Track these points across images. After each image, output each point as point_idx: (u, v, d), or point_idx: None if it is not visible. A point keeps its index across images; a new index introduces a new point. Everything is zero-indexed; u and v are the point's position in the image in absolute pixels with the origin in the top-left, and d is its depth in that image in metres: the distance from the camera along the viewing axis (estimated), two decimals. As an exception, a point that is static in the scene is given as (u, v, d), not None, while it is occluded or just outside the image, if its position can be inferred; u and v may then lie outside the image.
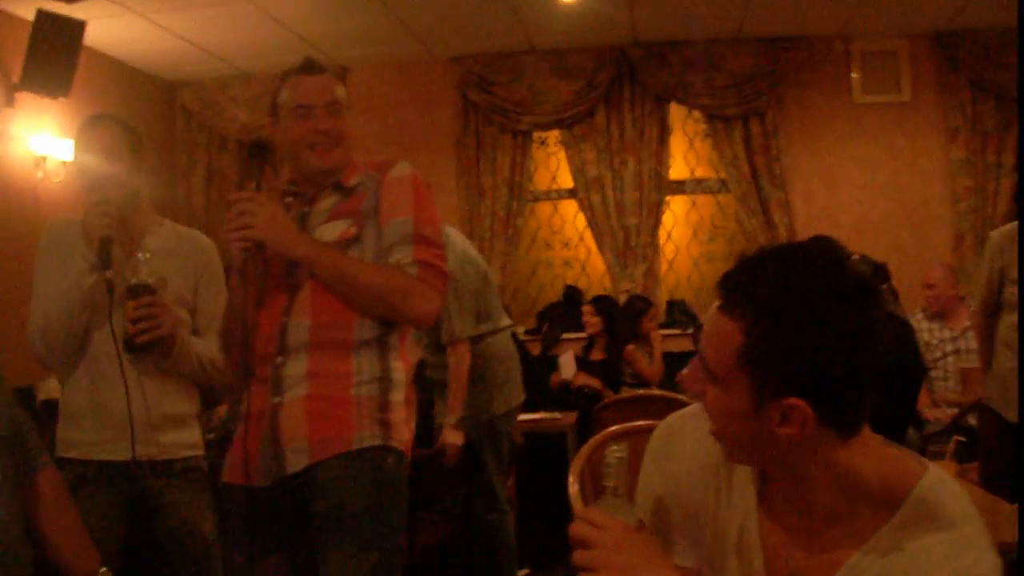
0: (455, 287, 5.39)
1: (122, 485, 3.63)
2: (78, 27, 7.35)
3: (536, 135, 9.50)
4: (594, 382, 7.81)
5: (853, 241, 5.55)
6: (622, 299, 8.75)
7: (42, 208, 7.52)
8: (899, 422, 3.95)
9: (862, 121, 9.08)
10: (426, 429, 5.64)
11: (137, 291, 3.53)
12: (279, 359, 3.11)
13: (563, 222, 9.72)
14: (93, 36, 7.62)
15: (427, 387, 5.75)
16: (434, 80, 9.44)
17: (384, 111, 9.26)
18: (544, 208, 9.75)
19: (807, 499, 1.82)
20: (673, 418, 2.15)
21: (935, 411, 6.94)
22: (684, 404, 5.79)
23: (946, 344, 7.19)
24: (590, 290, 9.42)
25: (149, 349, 3.58)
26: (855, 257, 4.53)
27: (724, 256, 9.49)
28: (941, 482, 1.76)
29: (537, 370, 7.72)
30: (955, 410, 6.82)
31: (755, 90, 8.98)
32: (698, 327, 7.99)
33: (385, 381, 3.14)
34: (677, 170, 9.45)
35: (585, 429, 7.00)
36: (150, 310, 3.53)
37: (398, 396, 3.16)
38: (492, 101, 9.25)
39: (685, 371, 1.94)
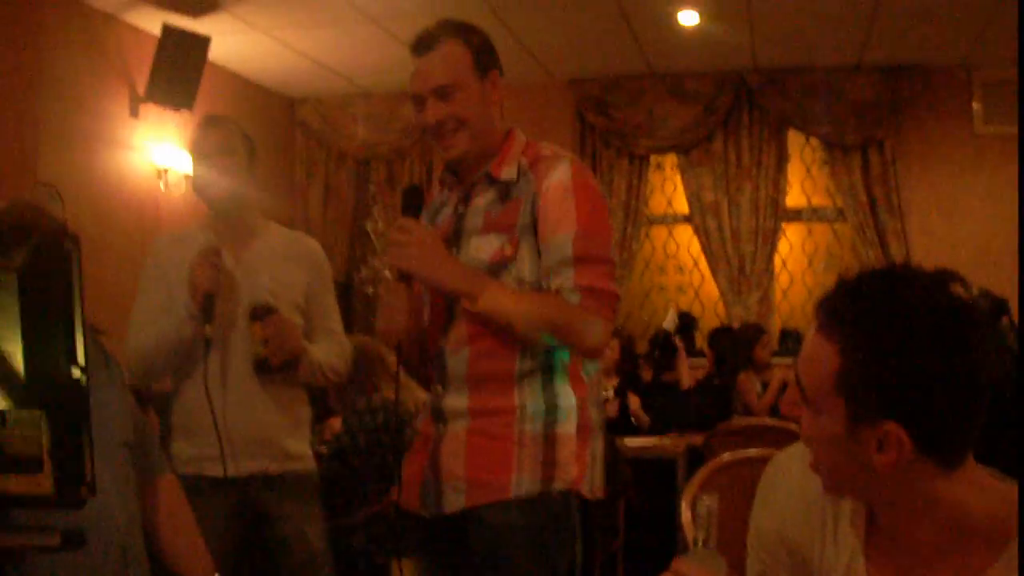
0: None
1: (234, 497, 3.80)
2: (203, 42, 8.06)
3: (653, 159, 10.16)
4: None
5: (972, 274, 5.59)
6: (735, 326, 9.22)
7: (163, 219, 8.21)
8: (1009, 456, 3.93)
9: (983, 152, 9.37)
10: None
11: (262, 312, 3.73)
12: (439, 387, 3.14)
13: (678, 247, 10.39)
14: (216, 51, 8.32)
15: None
16: (552, 102, 10.07)
17: None
18: (659, 232, 10.42)
19: (911, 535, 1.83)
20: (781, 455, 2.17)
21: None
22: (794, 433, 6.22)
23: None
24: (703, 316, 10.07)
25: (282, 369, 3.79)
26: (975, 290, 4.49)
27: (839, 286, 9.91)
28: None
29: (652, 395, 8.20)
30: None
31: (874, 119, 9.47)
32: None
33: (552, 413, 3.04)
34: (794, 198, 10.04)
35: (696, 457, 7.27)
36: (278, 329, 3.73)
37: (567, 428, 3.05)
38: (610, 124, 9.96)
39: (785, 396, 1.96)
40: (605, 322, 3.01)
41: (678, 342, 8.66)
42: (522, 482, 2.98)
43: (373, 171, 10.46)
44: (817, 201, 10.10)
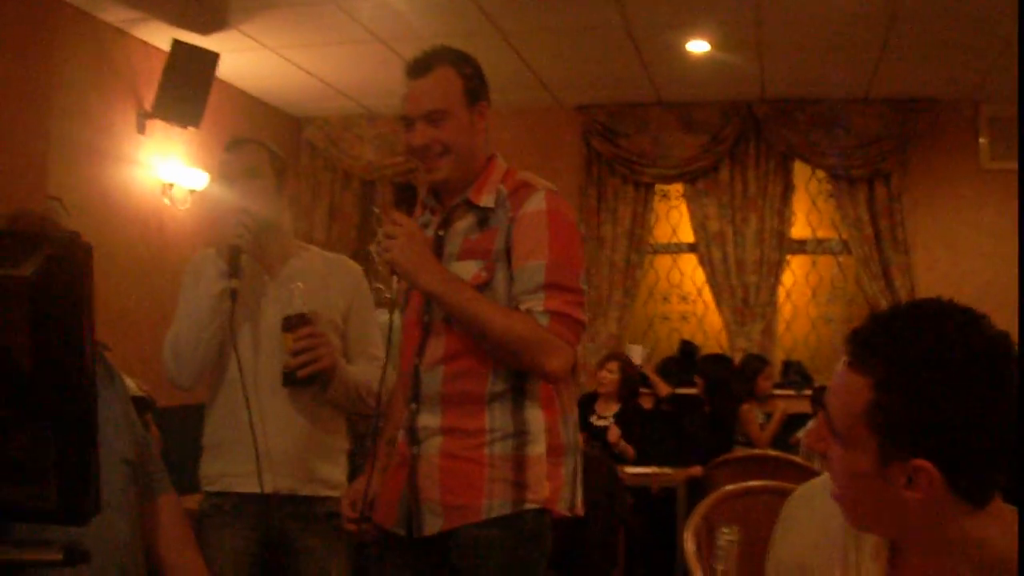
0: None
1: (258, 522, 3.77)
2: (212, 58, 8.05)
3: (659, 187, 10.20)
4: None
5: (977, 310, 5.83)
6: (738, 357, 9.27)
7: (167, 234, 8.24)
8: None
9: (989, 187, 9.36)
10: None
11: (294, 322, 3.65)
12: (413, 405, 3.22)
13: (682, 276, 10.41)
14: (225, 68, 8.35)
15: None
16: (559, 128, 10.15)
17: (508, 156, 9.34)
18: (663, 261, 10.45)
19: (935, 571, 1.83)
20: (803, 488, 2.18)
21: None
22: (796, 465, 6.27)
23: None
24: (706, 346, 10.06)
25: (309, 383, 3.70)
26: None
27: (842, 318, 10.07)
28: None
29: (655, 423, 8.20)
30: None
31: (881, 152, 9.48)
32: (818, 389, 8.41)
33: (521, 436, 3.14)
34: (799, 229, 10.06)
35: (697, 487, 7.39)
36: (310, 341, 3.65)
37: (536, 449, 3.16)
38: (616, 151, 9.97)
39: (808, 428, 1.90)
40: (569, 347, 3.12)
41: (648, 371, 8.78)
42: (493, 505, 3.10)
43: (378, 192, 10.46)
44: (822, 233, 10.12)
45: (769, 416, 8.59)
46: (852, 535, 1.97)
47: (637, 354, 9.47)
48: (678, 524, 7.28)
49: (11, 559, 1.63)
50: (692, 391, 8.84)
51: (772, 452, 7.54)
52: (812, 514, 2.07)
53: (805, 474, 6.38)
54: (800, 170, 9.97)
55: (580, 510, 3.34)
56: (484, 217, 3.20)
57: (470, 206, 3.23)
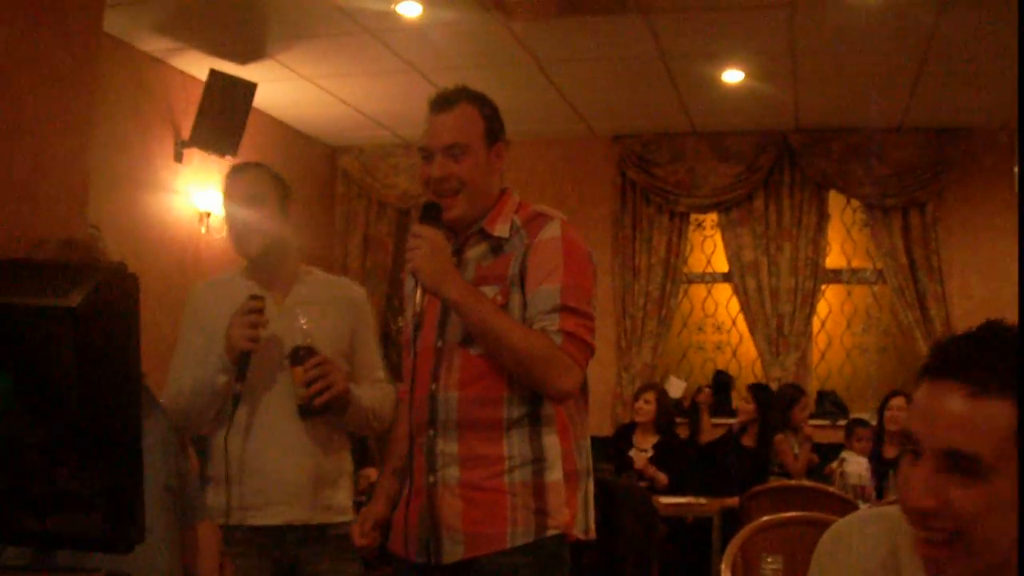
0: None
1: (272, 552, 3.74)
2: (249, 88, 8.14)
3: (693, 217, 10.21)
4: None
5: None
6: (773, 387, 9.21)
7: (203, 262, 8.30)
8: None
9: None
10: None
11: (301, 355, 3.64)
12: (431, 431, 3.20)
13: (716, 306, 10.41)
14: (261, 98, 8.43)
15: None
16: (594, 157, 10.20)
17: (543, 186, 9.87)
18: (698, 291, 10.45)
19: None
20: (840, 524, 2.13)
21: None
22: (832, 495, 6.25)
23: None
24: (740, 376, 10.06)
25: (326, 411, 3.69)
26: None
27: (877, 348, 10.07)
28: None
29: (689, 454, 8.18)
30: None
31: (916, 181, 9.48)
32: (854, 422, 8.37)
33: (539, 463, 3.15)
34: (833, 259, 10.04)
35: (731, 517, 7.35)
36: (321, 370, 3.64)
37: (554, 476, 3.17)
38: (651, 181, 10.00)
39: (911, 486, 1.78)
40: (579, 369, 3.13)
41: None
42: (516, 533, 3.09)
43: (413, 222, 10.40)
44: (857, 262, 10.10)
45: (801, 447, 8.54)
46: (892, 571, 1.93)
47: (677, 387, 9.46)
48: (713, 555, 7.27)
49: (56, 586, 1.65)
50: (727, 420, 8.79)
51: (808, 482, 7.52)
52: (849, 553, 2.02)
53: (840, 504, 6.36)
54: (835, 199, 9.96)
55: (593, 533, 3.32)
56: (498, 245, 3.23)
57: (484, 235, 3.25)
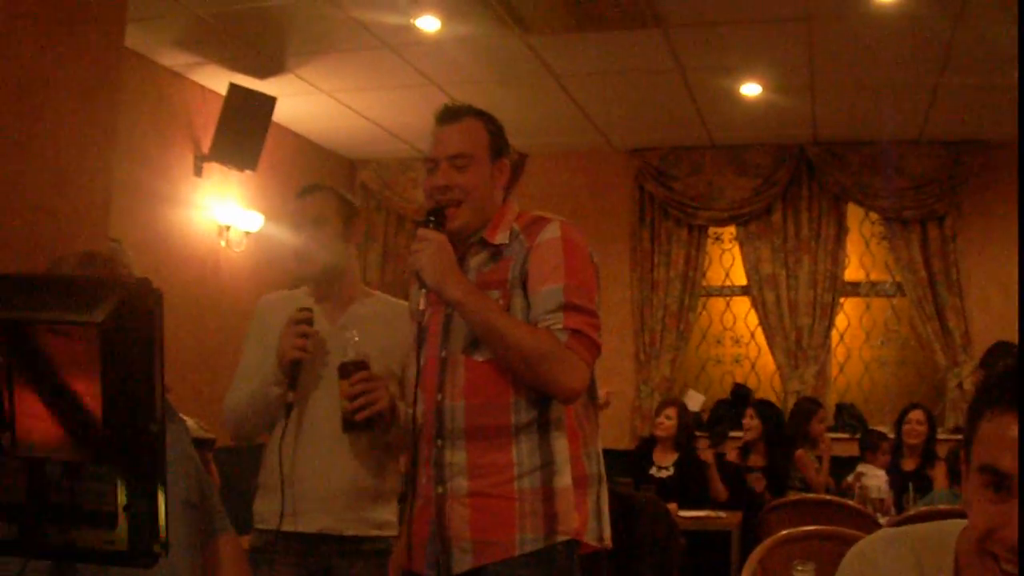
0: None
1: (308, 559, 3.80)
2: (269, 102, 8.18)
3: (712, 230, 10.22)
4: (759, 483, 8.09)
5: (1030, 350, 5.77)
6: (791, 400, 9.26)
7: (223, 276, 8.34)
8: None
9: None
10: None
11: (349, 369, 3.65)
12: (438, 442, 3.21)
13: (735, 319, 10.40)
14: (280, 112, 8.46)
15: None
16: (612, 171, 10.22)
17: (561, 199, 9.90)
18: (716, 304, 10.45)
19: None
20: (865, 544, 2.17)
21: None
22: (851, 508, 6.24)
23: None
24: (759, 389, 10.04)
25: (368, 426, 3.70)
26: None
27: (896, 361, 10.04)
28: None
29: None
30: None
31: (934, 193, 9.46)
32: (869, 432, 8.35)
33: (548, 467, 3.16)
34: (852, 271, 10.04)
35: (750, 531, 7.33)
36: (367, 385, 3.64)
37: (563, 480, 3.18)
38: (669, 195, 10.02)
39: (1011, 523, 1.78)
40: (586, 367, 3.13)
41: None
42: (526, 539, 3.10)
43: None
44: (875, 275, 10.08)
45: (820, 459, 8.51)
46: None
47: (696, 401, 9.46)
48: (731, 568, 7.26)
49: (78, 600, 1.65)
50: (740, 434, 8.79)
51: (827, 496, 7.52)
52: (875, 572, 2.05)
53: (859, 518, 6.35)
54: (853, 212, 9.96)
55: (609, 542, 3.35)
56: (498, 252, 3.26)
57: (484, 244, 3.28)
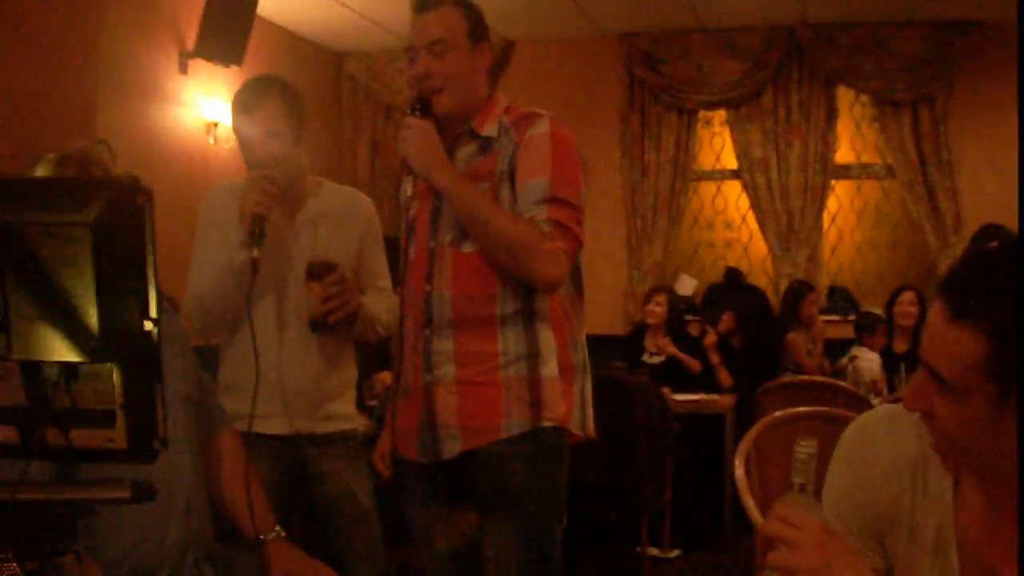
0: None
1: (283, 456, 3.80)
2: (252, -4, 8.04)
3: (702, 114, 10.15)
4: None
5: (1021, 234, 5.85)
6: (783, 283, 9.34)
7: (211, 173, 8.24)
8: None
9: None
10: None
11: (320, 269, 3.66)
12: (426, 331, 3.30)
13: (726, 203, 10.38)
14: (264, 6, 8.31)
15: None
16: (601, 57, 10.11)
17: (550, 87, 9.89)
18: (707, 188, 10.42)
19: (1011, 499, 1.85)
20: (866, 420, 2.19)
21: None
22: (843, 390, 6.29)
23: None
24: (751, 273, 10.03)
25: (337, 328, 3.75)
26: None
27: (888, 243, 10.05)
28: None
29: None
30: None
31: (925, 75, 9.37)
32: (865, 315, 8.40)
33: (533, 357, 3.24)
34: (843, 154, 9.98)
35: (743, 412, 7.43)
36: (339, 287, 3.67)
37: (549, 370, 3.26)
38: (659, 79, 9.92)
39: (910, 390, 1.90)
40: (567, 258, 3.20)
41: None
42: (512, 424, 3.21)
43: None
44: (866, 158, 10.04)
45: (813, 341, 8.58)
46: (921, 467, 2.02)
47: (688, 285, 9.47)
48: (726, 451, 7.33)
49: (82, 498, 1.66)
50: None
51: (819, 378, 7.61)
52: (877, 448, 2.10)
53: (852, 398, 6.40)
54: (844, 95, 9.88)
55: (592, 432, 3.42)
56: (486, 144, 3.30)
57: (473, 136, 3.32)
